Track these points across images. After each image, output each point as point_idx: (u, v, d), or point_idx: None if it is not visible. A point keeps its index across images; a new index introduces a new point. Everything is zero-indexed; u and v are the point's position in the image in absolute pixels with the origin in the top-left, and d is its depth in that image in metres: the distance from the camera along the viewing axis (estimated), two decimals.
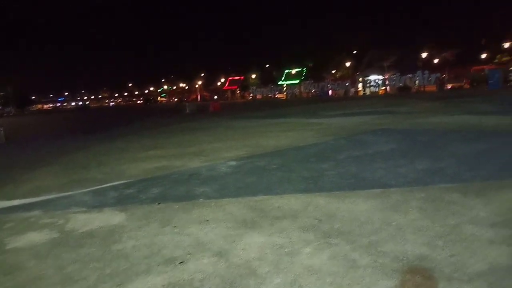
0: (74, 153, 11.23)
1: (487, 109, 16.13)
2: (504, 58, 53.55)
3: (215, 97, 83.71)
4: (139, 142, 12.88)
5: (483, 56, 55.52)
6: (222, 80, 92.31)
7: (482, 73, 45.64)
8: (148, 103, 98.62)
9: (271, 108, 31.82)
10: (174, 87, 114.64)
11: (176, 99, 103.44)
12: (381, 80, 55.52)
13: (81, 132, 19.74)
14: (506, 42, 51.95)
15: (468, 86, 45.45)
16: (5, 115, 71.15)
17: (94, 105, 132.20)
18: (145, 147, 11.38)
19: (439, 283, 2.70)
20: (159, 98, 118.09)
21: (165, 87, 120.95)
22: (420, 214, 4.08)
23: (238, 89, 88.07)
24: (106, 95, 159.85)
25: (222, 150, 9.64)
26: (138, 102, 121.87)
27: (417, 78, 50.05)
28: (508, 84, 41.08)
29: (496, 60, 54.20)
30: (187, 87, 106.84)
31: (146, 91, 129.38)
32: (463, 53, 55.83)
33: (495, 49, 54.48)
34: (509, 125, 10.46)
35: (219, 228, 4.07)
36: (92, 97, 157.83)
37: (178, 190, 5.87)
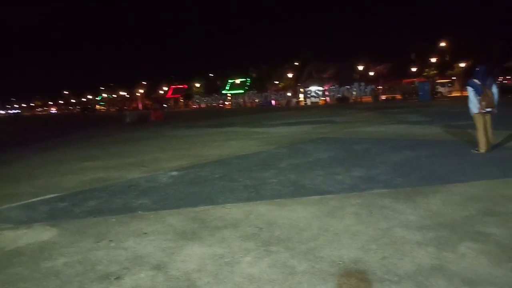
0: (3, 165, 10.42)
1: (416, 119, 17.28)
2: (432, 72, 57.94)
3: (164, 105, 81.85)
4: (75, 153, 12.24)
5: (414, 69, 59.65)
6: (165, 88, 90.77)
7: (413, 86, 48.92)
8: (85, 112, 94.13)
9: (215, 117, 31.75)
10: (114, 95, 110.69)
11: (116, 108, 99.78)
12: (321, 91, 57.56)
13: (10, 144, 18.37)
14: (432, 57, 56.24)
15: (401, 98, 48.44)
16: None
17: (27, 114, 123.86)
18: (82, 158, 10.84)
19: (371, 285, 2.82)
20: (97, 106, 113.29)
21: (104, 95, 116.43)
22: (355, 219, 4.25)
23: (181, 98, 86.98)
24: (39, 103, 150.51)
25: (164, 160, 9.44)
26: (75, 110, 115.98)
27: (355, 89, 52.49)
28: (436, 96, 44.38)
29: (425, 74, 58.46)
30: (128, 95, 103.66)
31: (84, 99, 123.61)
32: (396, 66, 59.79)
33: (424, 64, 58.83)
34: (436, 134, 11.28)
35: (158, 240, 3.96)
36: (24, 105, 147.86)
37: (116, 202, 5.64)
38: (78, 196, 6.15)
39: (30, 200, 6.06)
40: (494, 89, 7.73)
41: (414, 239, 3.63)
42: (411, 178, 6.11)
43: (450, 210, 4.39)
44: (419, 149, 8.68)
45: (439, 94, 46.02)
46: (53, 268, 3.44)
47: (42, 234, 4.41)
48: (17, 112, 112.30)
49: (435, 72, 57.75)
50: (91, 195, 6.19)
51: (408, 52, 61.17)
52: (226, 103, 73.34)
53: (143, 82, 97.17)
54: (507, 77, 56.50)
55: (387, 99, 50.25)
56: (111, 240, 4.04)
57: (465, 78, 44.89)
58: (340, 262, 3.21)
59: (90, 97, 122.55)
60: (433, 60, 56.55)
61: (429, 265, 3.08)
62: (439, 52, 56.66)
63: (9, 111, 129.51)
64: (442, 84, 49.28)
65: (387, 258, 3.24)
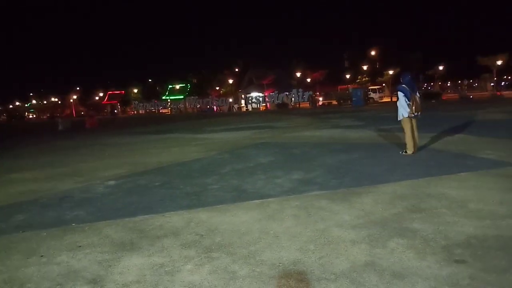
0: None
1: (351, 123, 18.15)
2: (364, 79, 61.27)
3: (102, 111, 78.17)
4: (7, 163, 11.34)
5: (348, 76, 62.71)
6: (101, 94, 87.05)
7: (347, 92, 51.39)
8: (13, 120, 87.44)
9: (154, 124, 30.96)
10: (45, 102, 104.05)
11: (47, 115, 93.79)
12: (261, 97, 58.45)
13: None
14: (364, 64, 59.52)
15: (336, 103, 50.60)
16: None
17: None
18: (9, 169, 10.07)
19: (310, 285, 2.93)
20: (26, 114, 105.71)
21: (34, 101, 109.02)
22: (294, 221, 4.38)
23: (118, 104, 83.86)
24: None
25: (100, 169, 9.05)
26: (1, 118, 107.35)
27: (293, 95, 53.94)
28: (368, 101, 46.94)
29: (358, 80, 61.69)
30: (60, 102, 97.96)
31: (11, 106, 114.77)
32: (331, 73, 62.47)
33: (356, 71, 62.09)
34: (368, 137, 11.94)
35: (94, 253, 3.80)
36: None
37: (47, 215, 5.32)
38: (4, 210, 5.72)
39: None
40: (418, 95, 8.36)
41: (348, 237, 3.82)
42: (345, 179, 6.41)
43: (381, 209, 4.67)
44: (353, 152, 9.13)
45: (371, 100, 48.78)
46: None
47: None
48: None
49: (367, 79, 61.16)
50: (20, 208, 5.78)
51: (342, 60, 64.22)
52: (165, 109, 71.83)
53: (76, 88, 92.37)
54: (429, 83, 61.43)
55: (323, 104, 52.25)
56: (42, 256, 3.81)
57: (394, 84, 48.13)
58: (279, 264, 3.29)
59: (18, 103, 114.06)
60: (365, 67, 59.87)
61: (363, 261, 3.26)
62: (370, 60, 60.13)
63: None
64: (374, 90, 52.33)
65: (324, 258, 3.38)
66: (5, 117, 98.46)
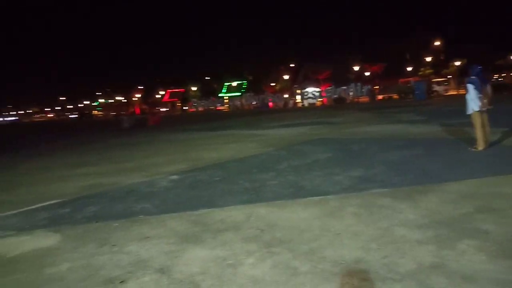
0: (1, 172, 10.42)
1: (413, 118, 17.36)
2: (427, 71, 58.24)
3: (162, 109, 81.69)
4: (73, 159, 12.24)
5: (409, 68, 59.92)
6: (162, 92, 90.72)
7: (409, 85, 49.13)
8: (83, 118, 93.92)
9: (212, 121, 31.76)
10: (111, 101, 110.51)
11: (113, 113, 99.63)
12: (318, 92, 57.70)
13: (7, 150, 18.33)
14: (427, 56, 56.55)
15: (397, 97, 48.61)
16: None
17: (25, 120, 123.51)
18: (80, 163, 10.84)
19: (374, 284, 2.86)
20: (94, 112, 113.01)
21: (101, 100, 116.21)
22: (355, 219, 4.29)
23: (178, 101, 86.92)
24: (36, 110, 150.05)
25: (162, 164, 9.46)
26: (72, 116, 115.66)
27: (351, 90, 52.64)
28: (432, 95, 44.57)
29: (421, 73, 58.76)
30: (125, 100, 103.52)
31: (81, 105, 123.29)
32: (391, 66, 60.06)
33: (419, 63, 59.16)
34: (432, 133, 11.35)
35: (161, 244, 3.99)
36: (21, 112, 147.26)
37: (116, 207, 5.67)
38: (78, 202, 6.17)
39: (30, 207, 6.07)
40: (488, 87, 7.81)
41: (414, 237, 3.67)
42: (408, 177, 6.15)
43: (448, 208, 4.44)
44: (416, 148, 8.73)
45: (435, 93, 46.21)
46: (57, 274, 3.46)
47: (44, 240, 4.43)
48: (15, 119, 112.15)
49: (430, 71, 58.08)
50: (91, 200, 6.20)
51: (403, 52, 61.45)
52: (221, 106, 73.29)
53: (139, 87, 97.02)
54: (501, 74, 57.02)
55: (383, 99, 50.43)
56: (113, 245, 4.07)
57: (460, 76, 45.29)
58: (342, 262, 3.25)
59: (87, 102, 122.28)
60: (428, 59, 56.89)
61: (430, 263, 3.12)
62: (434, 51, 57.03)
63: (5, 119, 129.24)
64: (439, 83, 49.49)
65: (388, 257, 3.28)
66: (77, 115, 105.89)
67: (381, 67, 61.54)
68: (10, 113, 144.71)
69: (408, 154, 8.16)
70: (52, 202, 6.30)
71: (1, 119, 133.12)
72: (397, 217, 4.26)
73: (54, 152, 15.01)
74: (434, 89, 47.29)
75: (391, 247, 3.49)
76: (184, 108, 79.41)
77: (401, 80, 56.09)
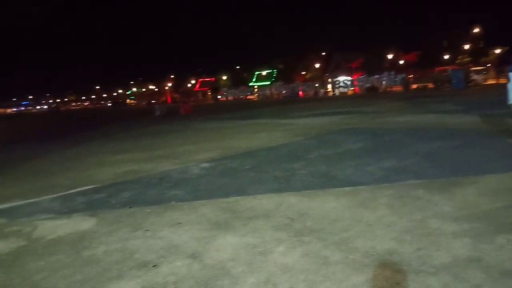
0: (39, 158, 10.88)
1: (450, 108, 16.76)
2: (465, 59, 55.92)
3: (190, 98, 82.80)
4: (107, 146, 12.61)
5: (446, 57, 57.72)
6: (193, 81, 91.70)
7: (445, 74, 47.35)
8: (116, 106, 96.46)
9: (242, 110, 31.86)
10: (143, 90, 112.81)
11: (146, 102, 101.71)
12: (349, 80, 56.65)
13: (47, 137, 19.12)
14: (466, 43, 54.24)
15: (433, 86, 47.00)
16: None
17: (62, 108, 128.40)
18: (114, 151, 11.16)
19: (407, 276, 2.80)
20: (127, 100, 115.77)
21: (134, 89, 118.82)
22: (388, 210, 4.21)
23: (209, 90, 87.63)
24: (73, 98, 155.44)
25: (194, 152, 9.59)
26: (107, 104, 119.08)
27: (384, 78, 51.34)
28: (470, 84, 42.80)
29: (458, 61, 56.51)
30: (156, 89, 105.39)
31: (114, 94, 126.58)
32: (427, 54, 58.01)
33: (456, 51, 56.84)
34: (469, 124, 10.93)
35: (192, 230, 4.06)
36: (58, 100, 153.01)
37: (149, 193, 5.80)
38: (113, 188, 6.36)
39: (67, 192, 6.31)
40: None
41: (449, 230, 3.56)
42: (444, 168, 5.96)
43: (486, 201, 4.27)
44: (453, 139, 8.43)
45: (473, 82, 44.32)
46: (93, 256, 3.59)
47: (81, 223, 4.60)
48: (55, 107, 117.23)
49: (468, 59, 55.74)
50: (126, 186, 6.38)
51: (440, 39, 59.15)
52: (252, 96, 73.25)
53: (171, 76, 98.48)
54: None
55: (418, 88, 48.88)
56: (147, 230, 4.17)
57: (500, 65, 43.16)
58: (374, 253, 3.20)
59: (120, 91, 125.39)
60: (466, 47, 54.59)
61: (466, 256, 3.02)
62: (473, 39, 54.62)
63: (44, 107, 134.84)
64: (477, 72, 47.40)
65: (422, 250, 3.20)
66: (111, 104, 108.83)
67: (417, 55, 59.60)
68: (49, 101, 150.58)
69: (444, 145, 7.90)
70: (88, 187, 6.52)
71: (38, 107, 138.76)
72: (431, 209, 4.14)
73: (91, 139, 15.51)
74: (472, 78, 45.31)
75: (425, 239, 3.40)
76: (215, 97, 80.00)
77: (437, 68, 54.10)
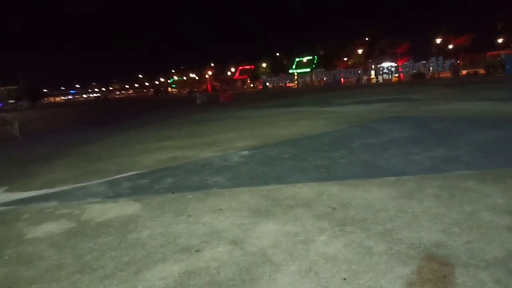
0: (88, 145, 11.37)
1: (504, 95, 15.79)
2: None
3: (234, 86, 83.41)
4: (151, 133, 12.97)
5: (500, 41, 54.19)
6: (233, 69, 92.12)
7: (498, 59, 44.58)
8: (158, 94, 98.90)
9: (282, 97, 31.68)
10: (185, 78, 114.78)
11: (187, 90, 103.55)
12: (394, 67, 54.73)
13: (94, 124, 19.96)
14: None
15: (484, 72, 44.44)
16: (18, 108, 71.78)
17: (109, 97, 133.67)
18: (158, 138, 11.46)
19: (455, 270, 2.67)
20: (169, 89, 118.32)
21: (176, 78, 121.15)
22: (435, 202, 4.03)
23: (248, 78, 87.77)
24: (117, 87, 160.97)
25: (234, 140, 9.65)
26: (149, 93, 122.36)
27: (431, 64, 49.18)
28: None
29: None
30: (197, 78, 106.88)
31: (157, 82, 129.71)
32: (478, 38, 54.65)
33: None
34: None
35: (233, 216, 4.09)
36: (103, 89, 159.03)
37: (192, 180, 5.91)
38: (156, 174, 6.53)
39: (114, 177, 6.56)
40: None
41: (502, 223, 3.36)
42: (498, 159, 5.62)
43: None
44: (507, 129, 7.95)
45: None
46: (139, 240, 3.70)
47: (127, 208, 4.77)
48: (103, 95, 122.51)
49: None
50: (169, 172, 6.53)
51: (494, 22, 55.50)
52: (292, 83, 72.51)
53: (211, 64, 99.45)
54: None
55: (468, 74, 46.43)
56: (189, 215, 4.25)
57: None
58: (420, 245, 3.08)
59: (162, 80, 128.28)
60: None
61: None
62: None
63: (91, 95, 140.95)
64: None
65: (472, 243, 3.04)
66: (153, 92, 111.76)
67: (468, 38, 56.38)
68: (95, 90, 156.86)
69: (498, 134, 7.45)
70: (134, 173, 6.74)
71: (85, 95, 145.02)
72: (483, 201, 3.92)
73: (136, 127, 16.02)
74: None
75: (476, 232, 3.23)
76: (254, 85, 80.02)
77: (490, 53, 50.96)
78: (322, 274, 2.75)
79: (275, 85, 75.12)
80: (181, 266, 3.06)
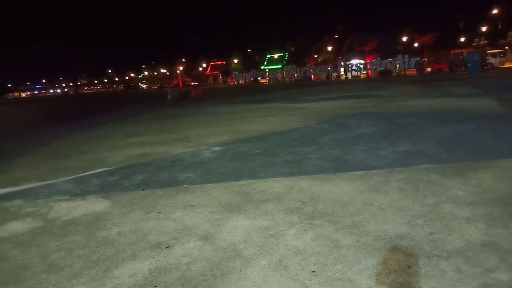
0: (54, 141, 11.03)
1: (466, 91, 16.45)
2: (482, 42, 54.51)
3: (205, 82, 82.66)
4: (120, 130, 12.71)
5: (462, 39, 56.33)
6: (204, 65, 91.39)
7: (461, 57, 46.32)
8: (128, 90, 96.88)
9: (254, 93, 31.72)
10: (155, 73, 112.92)
11: (157, 85, 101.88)
12: (362, 64, 55.82)
13: (60, 121, 19.36)
14: (483, 25, 52.78)
15: (447, 70, 46.06)
16: None
17: (78, 92, 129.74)
18: (127, 134, 11.25)
19: (419, 260, 2.79)
20: (140, 84, 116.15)
21: (146, 73, 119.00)
22: (400, 195, 4.18)
23: (220, 74, 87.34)
24: (85, 82, 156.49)
25: (205, 136, 9.61)
26: (119, 89, 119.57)
27: (398, 62, 50.48)
28: (486, 67, 41.83)
29: (475, 44, 55.12)
30: (168, 73, 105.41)
31: (127, 78, 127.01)
32: (442, 37, 56.64)
33: (473, 33, 55.38)
34: (487, 107, 10.72)
35: (204, 212, 4.09)
36: (71, 84, 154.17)
37: (162, 176, 5.85)
38: (126, 170, 6.43)
39: (82, 174, 6.41)
40: None
41: (463, 215, 3.53)
42: (459, 153, 5.88)
43: (501, 186, 4.21)
44: (469, 123, 8.30)
45: (489, 66, 43.29)
46: (108, 237, 3.65)
47: (95, 205, 4.68)
48: (66, 91, 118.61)
49: (485, 41, 54.33)
50: (139, 169, 6.44)
51: (456, 21, 57.65)
52: (263, 79, 72.67)
53: (182, 59, 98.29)
54: None
55: (432, 71, 47.98)
56: (160, 212, 4.22)
57: None
58: (385, 237, 3.19)
59: (132, 75, 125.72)
60: (484, 29, 53.13)
61: (480, 241, 3.00)
62: (491, 20, 53.08)
63: (64, 90, 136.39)
64: (494, 55, 46.23)
65: (435, 234, 3.18)
66: (123, 88, 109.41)
67: (432, 37, 58.25)
68: (62, 85, 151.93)
69: (459, 129, 7.78)
70: (102, 169, 6.61)
71: (51, 91, 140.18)
72: (445, 194, 4.10)
73: (106, 122, 15.65)
74: (489, 61, 44.27)
75: (438, 223, 3.38)
76: (225, 80, 79.68)
77: (453, 51, 52.89)
78: (291, 267, 2.81)
79: (247, 81, 74.99)
80: (151, 263, 3.05)
